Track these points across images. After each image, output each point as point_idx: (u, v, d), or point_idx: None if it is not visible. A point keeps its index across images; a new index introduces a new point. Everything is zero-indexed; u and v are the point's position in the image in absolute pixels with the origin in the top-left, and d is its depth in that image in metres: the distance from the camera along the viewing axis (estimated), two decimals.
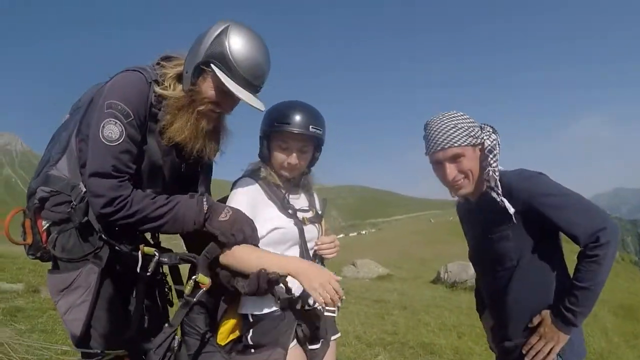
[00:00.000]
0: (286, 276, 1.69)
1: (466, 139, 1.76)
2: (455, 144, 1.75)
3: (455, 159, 1.78)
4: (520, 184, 1.73)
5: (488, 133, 1.81)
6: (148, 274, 1.76)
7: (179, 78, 1.75)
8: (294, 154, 1.87)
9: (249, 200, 1.85)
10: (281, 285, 1.73)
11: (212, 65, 1.66)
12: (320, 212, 2.05)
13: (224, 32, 1.65)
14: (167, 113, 1.73)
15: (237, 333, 1.88)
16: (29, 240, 1.79)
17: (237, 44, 1.65)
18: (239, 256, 1.73)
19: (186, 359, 1.80)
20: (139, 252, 1.75)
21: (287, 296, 1.76)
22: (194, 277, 1.71)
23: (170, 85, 1.75)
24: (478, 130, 1.80)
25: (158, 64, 1.80)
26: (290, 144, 1.86)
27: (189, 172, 1.92)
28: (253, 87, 1.71)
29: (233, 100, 1.76)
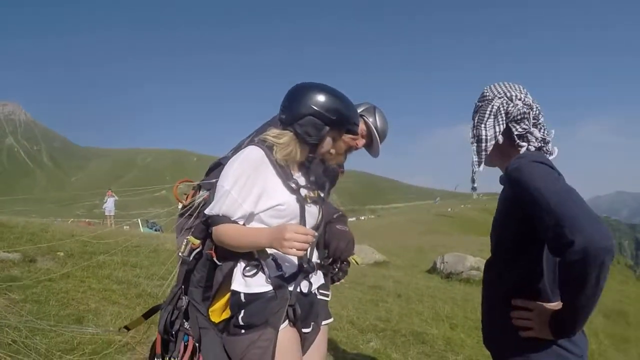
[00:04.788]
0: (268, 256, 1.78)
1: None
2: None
3: None
4: (513, 168, 1.54)
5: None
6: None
7: None
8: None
9: (254, 169, 1.79)
10: (271, 261, 1.78)
11: None
12: (323, 196, 1.97)
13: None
14: None
15: (228, 312, 1.84)
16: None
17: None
18: (223, 233, 1.76)
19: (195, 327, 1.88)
20: None
21: (278, 273, 1.79)
22: (187, 237, 1.87)
23: None
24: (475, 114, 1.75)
25: None
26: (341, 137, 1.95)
27: None
28: None
29: None
